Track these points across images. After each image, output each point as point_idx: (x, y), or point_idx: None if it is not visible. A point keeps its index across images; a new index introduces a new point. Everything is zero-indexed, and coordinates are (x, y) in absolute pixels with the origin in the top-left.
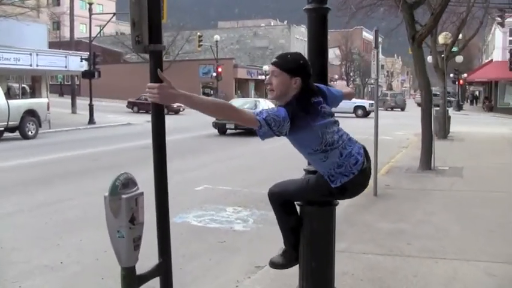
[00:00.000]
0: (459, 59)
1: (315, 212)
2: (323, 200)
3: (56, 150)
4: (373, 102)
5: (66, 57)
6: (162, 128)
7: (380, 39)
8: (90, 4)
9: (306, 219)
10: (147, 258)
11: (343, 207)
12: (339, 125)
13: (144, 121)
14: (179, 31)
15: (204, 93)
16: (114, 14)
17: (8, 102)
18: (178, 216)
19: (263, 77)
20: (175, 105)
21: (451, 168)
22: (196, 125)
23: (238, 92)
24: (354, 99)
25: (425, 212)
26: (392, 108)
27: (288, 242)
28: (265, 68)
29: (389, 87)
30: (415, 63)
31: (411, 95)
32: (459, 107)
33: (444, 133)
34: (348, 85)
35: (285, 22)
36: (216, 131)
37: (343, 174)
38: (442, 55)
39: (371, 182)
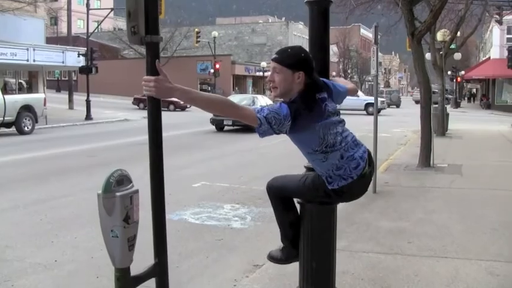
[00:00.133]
0: (457, 56)
1: (315, 210)
2: (319, 201)
3: (52, 146)
4: (384, 99)
5: (63, 52)
6: (158, 123)
7: (378, 36)
8: None
9: (306, 218)
10: (143, 256)
11: (342, 205)
12: (344, 125)
13: (141, 117)
14: (177, 27)
15: (201, 90)
16: (112, 9)
17: (4, 98)
18: (175, 213)
19: (261, 73)
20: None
21: (450, 166)
22: (194, 121)
23: (236, 88)
24: (365, 97)
25: (426, 210)
26: (388, 105)
27: (285, 238)
28: (263, 64)
29: (387, 85)
30: (414, 60)
31: (409, 92)
32: (457, 105)
33: (442, 130)
34: None
35: (283, 19)
36: (213, 127)
37: (341, 177)
38: (441, 52)
39: None
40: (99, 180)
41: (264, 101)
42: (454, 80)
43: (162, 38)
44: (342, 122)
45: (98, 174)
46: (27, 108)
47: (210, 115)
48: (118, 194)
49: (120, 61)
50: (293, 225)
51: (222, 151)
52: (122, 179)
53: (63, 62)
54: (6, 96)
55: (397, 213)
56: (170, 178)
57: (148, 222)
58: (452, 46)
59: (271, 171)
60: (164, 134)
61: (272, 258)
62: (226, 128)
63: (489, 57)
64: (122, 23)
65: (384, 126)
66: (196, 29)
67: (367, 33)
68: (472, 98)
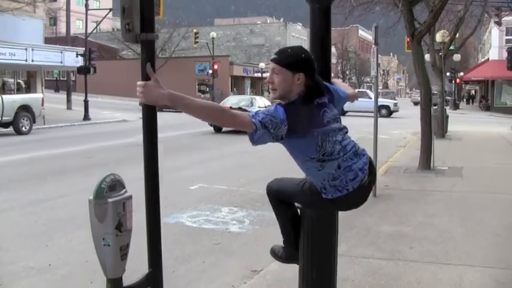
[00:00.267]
0: (457, 57)
1: (316, 215)
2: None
3: (49, 146)
4: (397, 101)
5: (61, 52)
6: (153, 124)
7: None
8: (87, 0)
9: (305, 223)
10: (137, 262)
11: None
12: (346, 132)
13: (138, 118)
14: (175, 28)
15: (199, 91)
16: (111, 9)
17: (2, 97)
18: (172, 216)
19: (259, 74)
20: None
21: (450, 168)
22: (192, 122)
23: (234, 89)
24: (379, 99)
25: (427, 214)
26: None
27: (288, 239)
28: (261, 65)
29: (385, 86)
30: (414, 61)
31: (407, 94)
32: (456, 106)
33: (442, 132)
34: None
35: (281, 20)
36: (211, 128)
37: (336, 188)
38: (440, 53)
39: None
40: (96, 181)
41: (262, 102)
42: (453, 82)
43: (158, 36)
44: (343, 129)
45: (95, 175)
46: (25, 108)
47: None
48: (110, 200)
49: (119, 62)
50: (294, 224)
51: (221, 152)
52: (114, 184)
53: (61, 62)
54: (4, 96)
55: (397, 216)
56: (167, 180)
57: (143, 223)
58: (452, 47)
59: (271, 174)
60: (163, 135)
61: (273, 253)
62: (224, 129)
63: (488, 59)
64: None
65: (383, 128)
66: (194, 30)
67: (366, 34)
68: (470, 100)
